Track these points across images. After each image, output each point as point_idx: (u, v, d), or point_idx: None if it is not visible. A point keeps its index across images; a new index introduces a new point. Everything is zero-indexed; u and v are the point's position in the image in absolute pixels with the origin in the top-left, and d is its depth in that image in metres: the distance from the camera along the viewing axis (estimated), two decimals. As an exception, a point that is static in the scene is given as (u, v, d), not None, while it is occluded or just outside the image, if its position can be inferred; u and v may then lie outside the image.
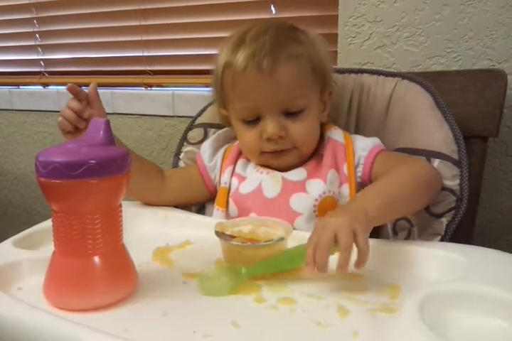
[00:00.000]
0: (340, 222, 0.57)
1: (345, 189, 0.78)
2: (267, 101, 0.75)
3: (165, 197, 0.84)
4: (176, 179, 0.86)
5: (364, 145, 0.80)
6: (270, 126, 0.75)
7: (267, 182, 0.80)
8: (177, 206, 0.85)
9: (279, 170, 0.81)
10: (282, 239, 0.61)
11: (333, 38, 1.07)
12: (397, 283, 0.58)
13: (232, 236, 0.64)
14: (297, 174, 0.80)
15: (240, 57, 0.74)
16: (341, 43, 1.07)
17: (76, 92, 0.75)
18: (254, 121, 0.78)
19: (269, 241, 0.61)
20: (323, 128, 0.84)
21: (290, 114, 0.76)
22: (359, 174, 0.79)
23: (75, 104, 0.74)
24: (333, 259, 0.54)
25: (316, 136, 0.82)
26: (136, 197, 0.84)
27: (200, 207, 0.91)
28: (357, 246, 0.55)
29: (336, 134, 0.83)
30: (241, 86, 0.76)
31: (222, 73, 0.78)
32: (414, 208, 0.73)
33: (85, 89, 0.76)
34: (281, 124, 0.76)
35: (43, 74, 1.58)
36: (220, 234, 0.63)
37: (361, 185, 0.79)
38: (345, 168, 0.79)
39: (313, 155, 0.82)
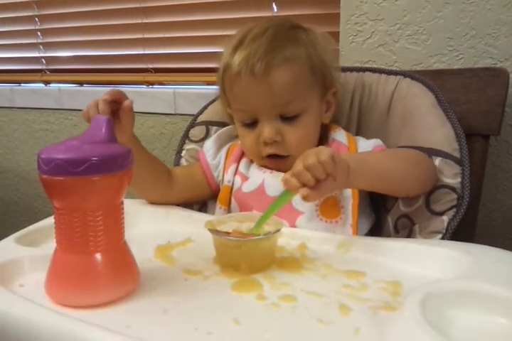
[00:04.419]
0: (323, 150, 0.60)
1: (348, 190, 0.78)
2: (261, 106, 0.75)
3: (170, 195, 0.84)
4: (181, 178, 0.86)
5: (366, 146, 0.80)
6: (266, 130, 0.76)
7: (270, 180, 0.80)
8: (180, 205, 0.84)
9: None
10: (279, 230, 0.62)
11: (334, 37, 1.06)
12: (398, 281, 0.58)
13: (227, 233, 0.64)
14: None
15: (236, 61, 0.74)
16: (343, 41, 1.07)
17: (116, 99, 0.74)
18: (252, 124, 0.78)
19: (267, 233, 0.62)
20: (327, 129, 0.84)
21: (287, 118, 0.77)
22: None
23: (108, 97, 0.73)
24: (331, 259, 0.53)
25: (313, 141, 0.81)
26: (143, 195, 0.84)
27: (201, 205, 0.91)
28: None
29: (340, 135, 0.83)
30: (236, 89, 0.76)
31: (223, 74, 0.78)
32: (398, 183, 0.73)
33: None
34: (277, 128, 0.76)
35: (45, 72, 1.58)
36: (213, 231, 0.64)
37: None
38: None
39: None
